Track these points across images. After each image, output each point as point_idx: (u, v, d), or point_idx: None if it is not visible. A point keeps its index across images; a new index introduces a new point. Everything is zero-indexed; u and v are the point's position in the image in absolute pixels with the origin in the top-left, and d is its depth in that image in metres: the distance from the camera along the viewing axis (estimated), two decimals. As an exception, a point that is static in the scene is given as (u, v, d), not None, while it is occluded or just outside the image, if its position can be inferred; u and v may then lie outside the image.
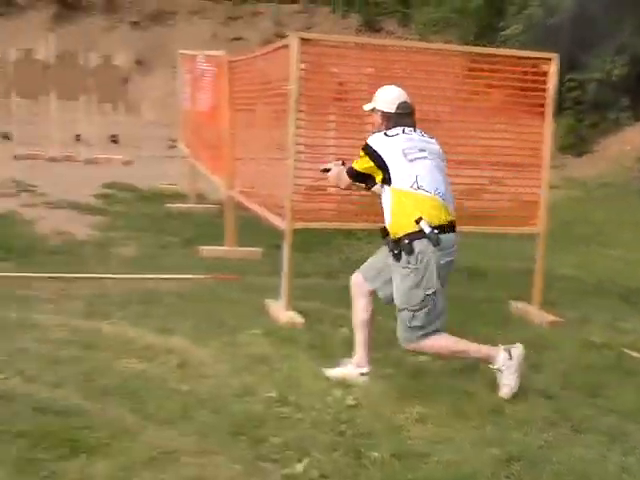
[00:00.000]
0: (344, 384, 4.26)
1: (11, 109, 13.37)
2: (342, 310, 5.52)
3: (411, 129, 4.31)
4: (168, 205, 9.51)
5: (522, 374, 4.27)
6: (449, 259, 4.12)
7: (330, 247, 7.85)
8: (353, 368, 4.37)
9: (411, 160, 4.15)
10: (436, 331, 4.13)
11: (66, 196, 9.79)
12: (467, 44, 13.38)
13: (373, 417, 3.91)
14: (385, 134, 4.26)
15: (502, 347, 4.23)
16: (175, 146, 14.32)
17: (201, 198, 9.90)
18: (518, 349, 4.23)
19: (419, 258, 4.00)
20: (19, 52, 12.90)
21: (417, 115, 4.43)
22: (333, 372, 4.36)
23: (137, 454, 3.31)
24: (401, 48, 6.61)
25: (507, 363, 4.19)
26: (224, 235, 7.59)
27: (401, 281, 4.08)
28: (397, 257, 4.06)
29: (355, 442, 3.59)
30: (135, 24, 20.47)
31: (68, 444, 3.33)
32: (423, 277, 4.01)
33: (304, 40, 5.28)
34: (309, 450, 3.46)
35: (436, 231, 4.00)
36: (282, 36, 22.46)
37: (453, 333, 4.24)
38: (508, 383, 4.21)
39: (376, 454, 3.48)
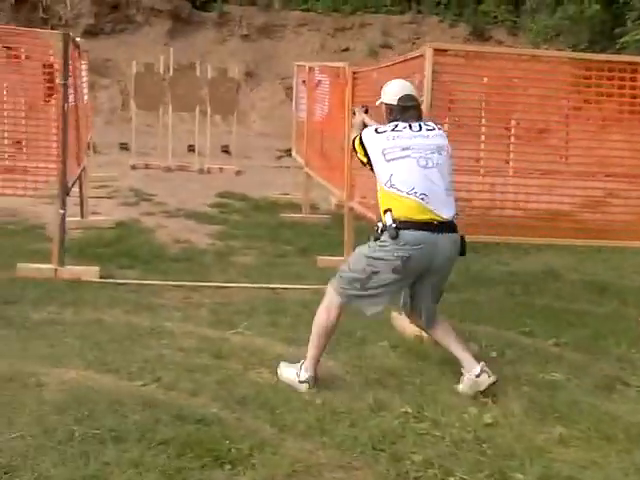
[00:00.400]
0: (479, 401, 4.15)
1: (130, 121, 13.78)
2: (470, 325, 5.42)
3: (407, 124, 4.30)
4: (282, 215, 9.55)
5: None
6: (405, 254, 4.10)
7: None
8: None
9: (389, 160, 4.21)
10: (352, 300, 4.25)
11: (183, 205, 10.00)
12: (580, 52, 13.01)
13: (513, 437, 3.77)
14: (375, 130, 4.35)
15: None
16: (283, 156, 14.55)
17: (313, 208, 9.92)
18: None
19: (382, 244, 4.16)
20: (139, 65, 13.26)
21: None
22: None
23: (279, 467, 3.29)
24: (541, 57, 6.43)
25: None
26: (338, 245, 7.56)
27: (364, 245, 4.31)
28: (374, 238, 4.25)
29: (499, 463, 3.46)
30: (245, 37, 20.76)
31: (211, 454, 3.33)
32: (376, 258, 4.17)
33: (437, 51, 5.19)
34: (453, 469, 3.37)
35: (394, 225, 4.09)
36: (389, 47, 22.21)
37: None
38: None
39: (522, 476, 3.36)
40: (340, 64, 8.15)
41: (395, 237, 4.12)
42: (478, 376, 4.20)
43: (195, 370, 4.38)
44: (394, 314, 5.62)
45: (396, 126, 4.31)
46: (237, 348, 4.79)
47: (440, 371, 4.56)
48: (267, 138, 17.11)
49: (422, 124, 4.36)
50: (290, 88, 21.50)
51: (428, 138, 4.28)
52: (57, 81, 6.17)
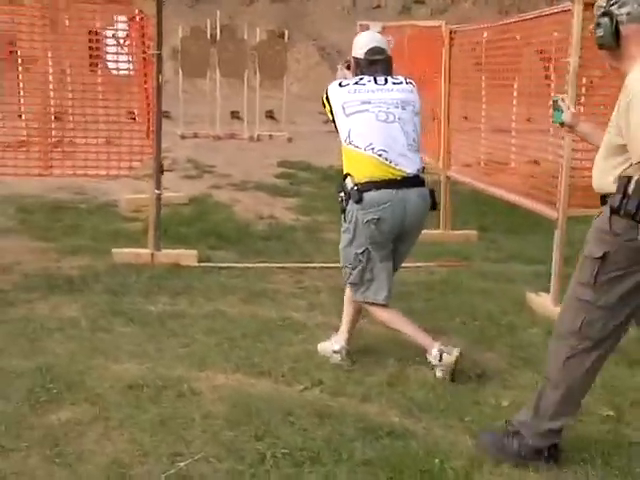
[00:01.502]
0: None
1: (175, 88, 13.25)
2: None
3: (372, 77, 4.03)
4: (357, 185, 9.09)
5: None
6: (375, 217, 3.88)
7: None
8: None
9: (348, 115, 3.96)
10: (378, 300, 4.04)
11: (248, 177, 9.58)
12: None
13: None
14: (339, 84, 4.09)
15: (437, 345, 3.93)
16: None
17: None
18: (451, 357, 3.88)
19: (349, 216, 3.96)
20: (184, 30, 12.73)
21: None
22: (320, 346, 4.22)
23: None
24: None
25: (437, 363, 3.91)
26: (432, 217, 7.11)
27: (341, 240, 4.11)
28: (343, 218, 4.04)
29: None
30: None
31: (428, 476, 2.95)
32: (354, 236, 3.97)
33: (587, 5, 4.69)
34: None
35: (355, 188, 3.87)
36: (422, 2, 21.51)
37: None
38: (440, 375, 3.91)
39: None
40: (433, 23, 7.65)
41: (359, 201, 3.88)
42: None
43: (353, 369, 3.99)
44: (530, 295, 5.22)
45: (360, 79, 4.06)
46: (384, 340, 4.39)
47: (614, 361, 4.14)
48: (307, 102, 16.55)
49: (389, 78, 4.08)
50: (323, 48, 21.00)
51: (391, 92, 4.02)
52: (150, 51, 5.68)
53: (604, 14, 2.89)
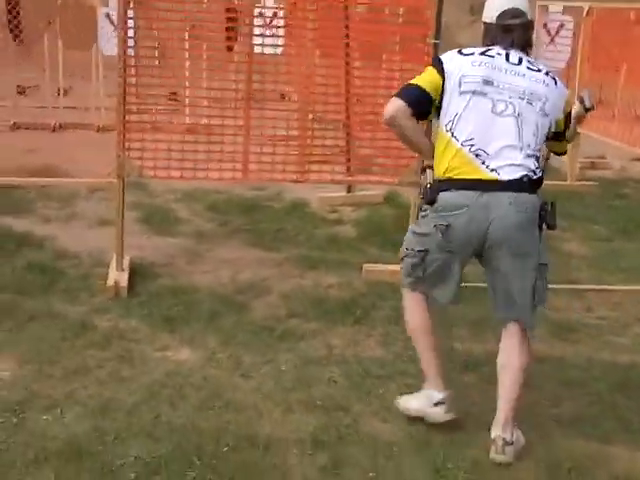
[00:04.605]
0: None
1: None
2: None
3: (503, 51, 3.26)
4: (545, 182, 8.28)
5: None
6: (443, 223, 3.17)
7: None
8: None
9: (462, 92, 3.20)
10: (420, 292, 3.40)
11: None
12: None
13: None
14: (459, 51, 3.32)
15: (444, 393, 3.34)
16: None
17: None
18: (444, 416, 3.32)
19: (423, 214, 3.34)
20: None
21: None
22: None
23: None
24: None
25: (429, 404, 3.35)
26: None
27: (415, 222, 3.60)
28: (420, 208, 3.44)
29: None
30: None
31: None
32: (421, 234, 3.33)
33: None
34: None
35: (429, 186, 3.25)
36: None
37: None
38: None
39: None
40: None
41: (432, 202, 3.22)
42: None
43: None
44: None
45: (488, 49, 3.28)
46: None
47: None
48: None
49: (525, 58, 3.28)
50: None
51: (522, 77, 3.22)
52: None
53: None
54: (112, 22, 10.32)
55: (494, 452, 3.16)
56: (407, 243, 3.44)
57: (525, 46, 3.33)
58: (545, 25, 9.11)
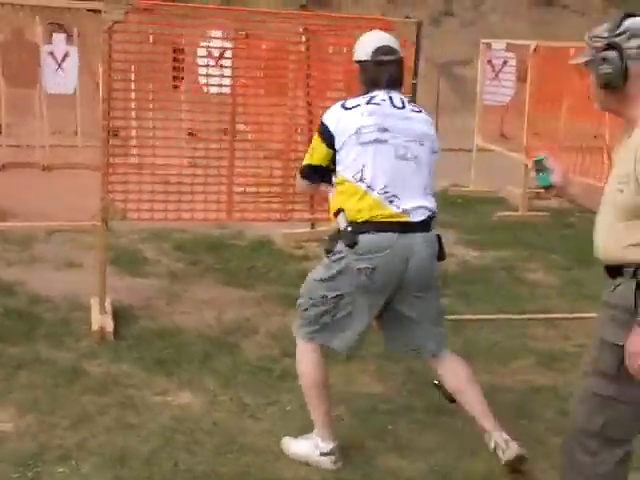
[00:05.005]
0: None
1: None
2: None
3: (386, 96, 3.38)
4: (498, 214, 8.53)
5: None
6: (369, 266, 3.23)
7: None
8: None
9: (363, 143, 3.29)
10: (317, 343, 3.42)
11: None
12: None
13: None
14: (343, 106, 3.39)
15: (333, 444, 3.39)
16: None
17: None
18: (328, 465, 3.38)
19: (335, 257, 3.32)
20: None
21: None
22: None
23: None
24: None
25: (319, 458, 3.38)
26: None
27: (315, 269, 3.50)
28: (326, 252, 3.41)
29: None
30: (302, 7, 19.51)
31: None
32: (333, 277, 3.33)
33: None
34: None
35: (350, 228, 3.24)
36: (451, 14, 20.98)
37: None
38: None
39: None
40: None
41: (353, 244, 3.24)
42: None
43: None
44: None
45: (372, 98, 3.38)
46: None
47: None
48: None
49: (405, 100, 3.48)
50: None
51: (411, 121, 3.39)
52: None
53: (609, 46, 2.39)
54: (55, 60, 10.33)
55: (502, 453, 3.24)
56: (310, 292, 3.41)
57: (401, 83, 3.49)
58: (490, 61, 9.44)
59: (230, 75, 5.19)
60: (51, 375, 4.14)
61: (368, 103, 3.34)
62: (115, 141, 4.80)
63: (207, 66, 5.55)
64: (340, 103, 3.41)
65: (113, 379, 4.15)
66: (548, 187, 2.77)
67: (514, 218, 8.46)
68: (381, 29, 4.82)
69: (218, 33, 6.69)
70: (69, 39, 10.38)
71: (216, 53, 6.76)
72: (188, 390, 4.07)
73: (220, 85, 5.30)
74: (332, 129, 3.33)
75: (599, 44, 2.42)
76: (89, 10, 5.07)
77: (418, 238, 3.28)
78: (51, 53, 10.04)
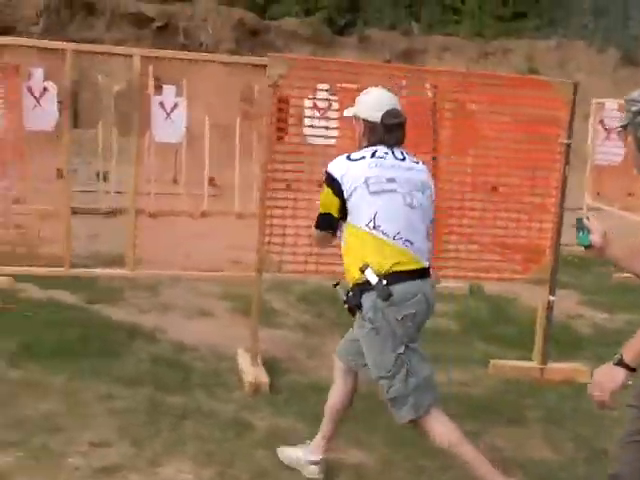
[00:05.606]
0: None
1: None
2: None
3: (388, 150, 3.44)
4: (615, 275, 8.35)
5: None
6: (411, 311, 3.27)
7: None
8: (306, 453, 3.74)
9: (373, 193, 3.35)
10: (429, 407, 3.35)
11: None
12: None
13: None
14: (348, 158, 3.43)
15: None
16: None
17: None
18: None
19: (372, 316, 3.28)
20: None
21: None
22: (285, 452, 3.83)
23: None
24: None
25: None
26: None
27: (367, 346, 3.38)
28: (351, 312, 3.37)
29: None
30: (387, 62, 19.75)
31: None
32: (387, 336, 3.28)
33: None
34: None
35: (384, 282, 3.22)
36: (535, 72, 21.22)
37: None
38: None
39: None
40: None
41: (388, 297, 3.21)
42: None
43: None
44: None
45: (375, 151, 3.42)
46: None
47: None
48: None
49: (404, 153, 3.51)
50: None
51: (412, 171, 3.47)
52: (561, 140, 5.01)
53: None
54: (165, 110, 10.59)
55: None
56: (382, 367, 3.33)
57: (403, 142, 3.51)
58: (602, 121, 9.36)
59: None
60: (217, 427, 4.12)
61: (372, 156, 3.41)
62: (277, 193, 4.83)
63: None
64: (345, 155, 3.46)
65: (280, 434, 4.10)
66: (587, 247, 2.79)
67: (632, 280, 8.24)
68: (540, 88, 4.87)
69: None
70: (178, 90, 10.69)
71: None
72: (356, 447, 4.00)
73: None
74: (339, 178, 3.38)
75: (636, 108, 2.37)
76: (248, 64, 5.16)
77: (429, 282, 3.41)
78: (161, 104, 10.31)
